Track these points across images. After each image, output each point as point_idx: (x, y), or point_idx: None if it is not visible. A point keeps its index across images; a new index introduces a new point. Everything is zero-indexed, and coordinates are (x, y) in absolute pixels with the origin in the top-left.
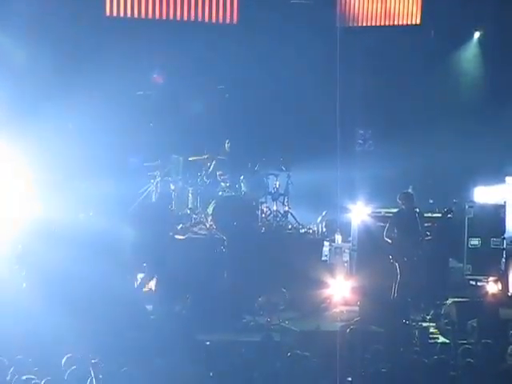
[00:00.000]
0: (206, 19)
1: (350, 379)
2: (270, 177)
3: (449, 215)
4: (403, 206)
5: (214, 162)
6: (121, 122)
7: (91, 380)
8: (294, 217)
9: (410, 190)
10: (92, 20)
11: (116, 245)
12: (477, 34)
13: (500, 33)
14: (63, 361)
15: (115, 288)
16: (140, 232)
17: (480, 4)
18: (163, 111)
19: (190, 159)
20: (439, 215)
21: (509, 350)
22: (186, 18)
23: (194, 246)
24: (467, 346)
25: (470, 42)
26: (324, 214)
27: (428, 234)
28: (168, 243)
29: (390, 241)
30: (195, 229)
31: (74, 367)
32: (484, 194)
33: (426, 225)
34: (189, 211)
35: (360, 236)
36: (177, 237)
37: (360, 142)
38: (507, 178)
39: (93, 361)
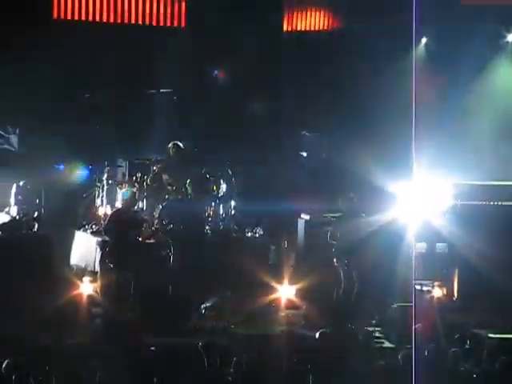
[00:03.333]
0: (154, 23)
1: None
2: (217, 180)
3: None
4: (344, 210)
5: (160, 166)
6: (67, 125)
7: None
8: (240, 220)
9: (351, 194)
10: (38, 22)
11: (62, 247)
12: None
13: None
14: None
15: (59, 290)
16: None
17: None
18: (109, 114)
19: (135, 162)
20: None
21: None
22: (127, 20)
23: (142, 249)
24: (407, 350)
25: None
26: (270, 217)
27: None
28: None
29: (334, 243)
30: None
31: None
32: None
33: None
34: None
35: (306, 240)
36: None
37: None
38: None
39: None
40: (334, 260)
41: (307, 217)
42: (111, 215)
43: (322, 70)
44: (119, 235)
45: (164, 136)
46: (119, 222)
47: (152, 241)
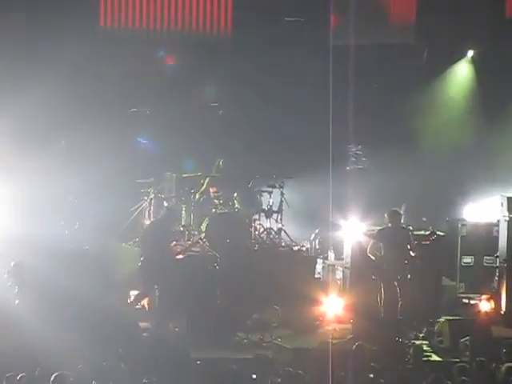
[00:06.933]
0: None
1: None
2: (264, 194)
3: (433, 237)
4: (389, 224)
5: (207, 179)
6: (114, 139)
7: None
8: (287, 234)
9: (397, 209)
10: (86, 31)
11: (108, 261)
12: (470, 53)
13: (493, 52)
14: (51, 378)
15: (107, 304)
16: (143, 249)
17: (474, 23)
18: (157, 128)
19: (183, 176)
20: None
21: (502, 369)
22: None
23: (188, 263)
24: (462, 364)
25: (463, 61)
26: (317, 231)
27: (418, 251)
28: (167, 261)
29: (373, 257)
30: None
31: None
32: (477, 212)
33: (421, 242)
34: (182, 228)
35: (353, 253)
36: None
37: (353, 159)
38: (500, 196)
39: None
40: (373, 274)
41: (355, 230)
42: (144, 229)
43: None
44: (149, 248)
45: (211, 150)
46: (149, 235)
47: (198, 253)
